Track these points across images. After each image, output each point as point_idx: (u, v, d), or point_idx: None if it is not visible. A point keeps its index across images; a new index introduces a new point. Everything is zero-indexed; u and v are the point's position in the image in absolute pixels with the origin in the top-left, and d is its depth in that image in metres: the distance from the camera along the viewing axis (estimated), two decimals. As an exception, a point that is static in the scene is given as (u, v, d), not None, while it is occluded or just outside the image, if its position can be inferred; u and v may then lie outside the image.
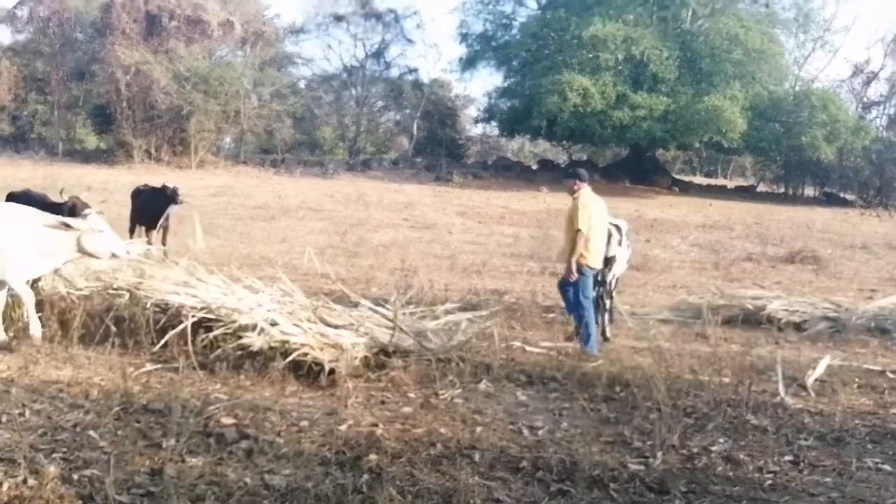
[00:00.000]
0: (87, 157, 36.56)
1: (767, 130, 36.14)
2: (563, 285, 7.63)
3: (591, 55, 36.05)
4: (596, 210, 7.64)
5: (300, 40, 47.06)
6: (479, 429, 5.11)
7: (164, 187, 11.83)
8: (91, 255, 6.84)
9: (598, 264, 7.65)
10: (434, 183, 35.58)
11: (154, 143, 36.05)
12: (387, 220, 20.49)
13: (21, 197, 8.76)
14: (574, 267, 7.39)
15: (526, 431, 5.16)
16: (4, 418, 4.86)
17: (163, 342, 6.34)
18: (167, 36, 36.68)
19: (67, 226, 6.62)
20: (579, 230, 7.37)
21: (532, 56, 39.43)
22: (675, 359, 6.91)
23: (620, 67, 36.69)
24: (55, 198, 8.53)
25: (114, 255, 6.86)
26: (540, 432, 5.15)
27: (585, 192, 7.77)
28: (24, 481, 3.89)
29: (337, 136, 47.36)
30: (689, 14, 37.95)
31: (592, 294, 7.67)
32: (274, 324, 6.09)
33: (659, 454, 4.78)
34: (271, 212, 20.57)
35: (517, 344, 7.24)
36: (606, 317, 8.15)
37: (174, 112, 35.44)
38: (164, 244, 11.57)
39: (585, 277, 7.49)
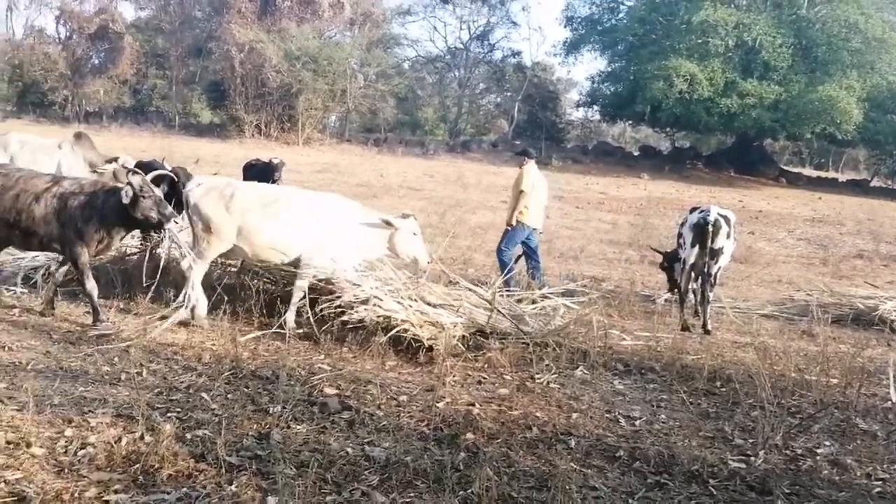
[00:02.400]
0: (202, 130, 38.12)
1: (885, 123, 34.35)
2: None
3: (699, 41, 35.02)
4: (537, 180, 9.31)
5: (407, 22, 47.69)
6: (575, 415, 5.10)
7: (271, 161, 12.30)
8: (397, 256, 6.90)
9: (533, 224, 9.24)
10: (534, 166, 35.31)
11: (264, 119, 37.27)
12: (485, 201, 20.54)
13: (146, 167, 9.22)
14: (513, 220, 9.10)
15: (623, 421, 5.11)
16: (123, 376, 5.16)
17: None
18: (280, 15, 37.75)
19: (388, 223, 6.82)
20: (522, 191, 9.08)
21: (638, 41, 38.61)
22: (780, 356, 6.69)
23: (730, 54, 35.50)
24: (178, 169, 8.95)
25: (416, 261, 6.96)
26: (637, 422, 5.10)
27: (531, 165, 9.38)
28: (142, 437, 4.11)
29: (438, 117, 47.68)
30: (806, 0, 36.22)
31: (516, 252, 9.28)
32: (377, 300, 6.23)
33: (761, 453, 4.66)
34: (373, 190, 20.92)
35: (615, 332, 7.16)
36: (708, 309, 7.96)
37: (284, 90, 36.51)
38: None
39: (516, 231, 9.17)
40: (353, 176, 24.87)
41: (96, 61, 41.36)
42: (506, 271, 8.64)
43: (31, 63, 39.32)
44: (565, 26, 43.64)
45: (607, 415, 5.21)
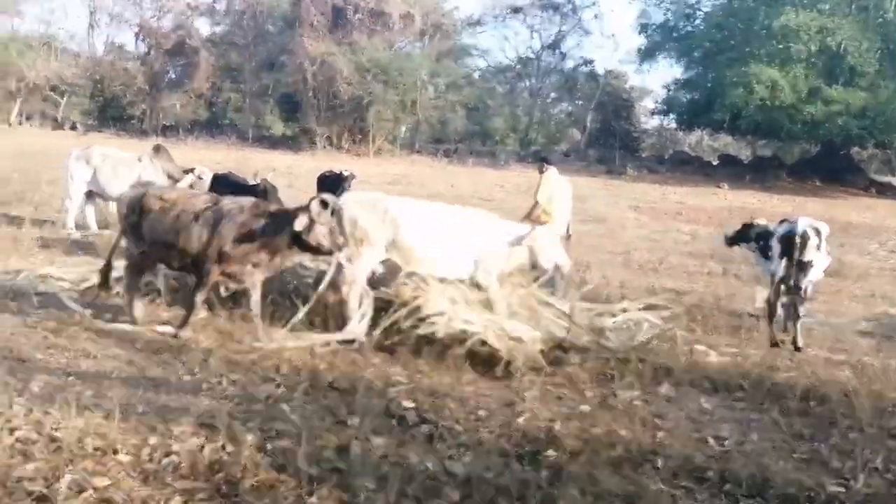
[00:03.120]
0: (275, 142, 38.87)
1: (980, 129, 32.65)
2: None
3: (781, 46, 33.93)
4: (559, 187, 9.11)
5: (477, 32, 47.69)
6: (660, 434, 4.91)
7: (341, 174, 12.41)
8: (540, 263, 7.02)
9: (559, 231, 8.73)
10: (606, 176, 34.87)
11: (335, 131, 37.79)
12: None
13: (222, 179, 9.40)
14: None
15: (712, 441, 4.90)
16: (205, 386, 5.21)
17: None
18: (351, 28, 38.27)
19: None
20: (537, 201, 8.90)
21: (716, 47, 37.65)
22: (879, 375, 6.34)
23: (814, 59, 34.25)
24: (251, 181, 9.09)
25: (558, 268, 7.07)
26: (727, 443, 4.87)
27: (551, 171, 9.24)
28: (224, 447, 4.13)
29: (508, 127, 47.51)
30: (893, 4, 34.79)
31: None
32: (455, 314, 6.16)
33: (861, 477, 4.39)
34: (444, 200, 20.88)
35: (700, 348, 6.90)
36: (799, 324, 7.61)
37: (355, 102, 36.94)
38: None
39: None
40: (424, 187, 24.92)
41: (173, 76, 42.74)
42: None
43: (111, 78, 40.82)
44: (640, 33, 42.87)
45: (695, 434, 5.00)
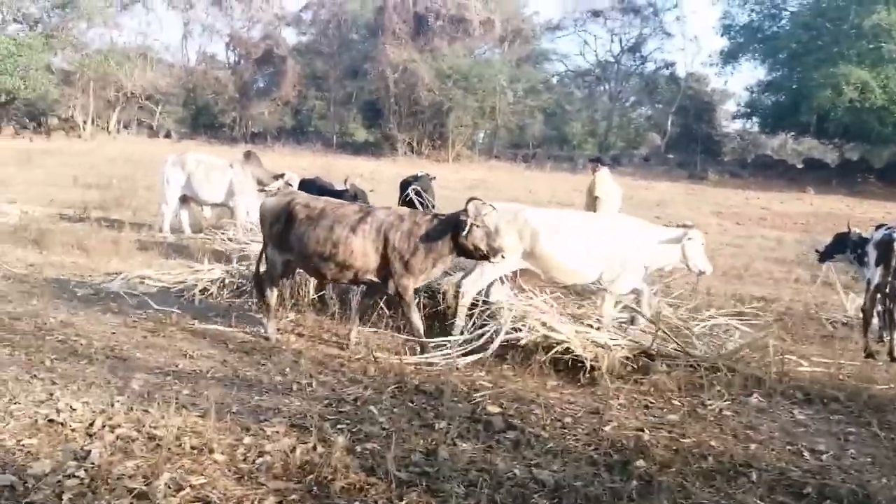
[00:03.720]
0: (357, 149, 39.56)
1: None
2: None
3: (871, 46, 32.74)
4: (611, 187, 9.12)
5: (556, 37, 47.48)
6: (753, 446, 4.77)
7: (417, 176, 12.50)
8: (687, 266, 7.15)
9: None
10: (687, 180, 34.18)
11: (416, 137, 38.22)
12: (638, 217, 19.96)
13: (309, 183, 9.62)
14: None
15: (807, 454, 4.73)
16: (295, 387, 5.33)
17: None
18: (432, 35, 38.67)
19: (684, 234, 7.05)
20: (597, 196, 8.89)
21: (802, 48, 36.49)
22: None
23: (906, 59, 32.89)
24: (339, 186, 9.26)
25: (702, 271, 7.16)
26: (824, 457, 4.70)
27: (604, 171, 9.30)
28: (315, 448, 4.21)
29: (587, 131, 47.05)
30: None
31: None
32: (543, 323, 6.15)
33: (970, 497, 4.18)
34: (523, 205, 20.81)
35: (791, 358, 6.68)
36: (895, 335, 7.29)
37: (435, 108, 37.32)
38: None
39: None
40: (502, 192, 24.88)
41: (261, 84, 43.97)
42: None
43: (203, 87, 42.36)
44: (722, 35, 41.99)
45: (789, 447, 4.84)
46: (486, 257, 6.15)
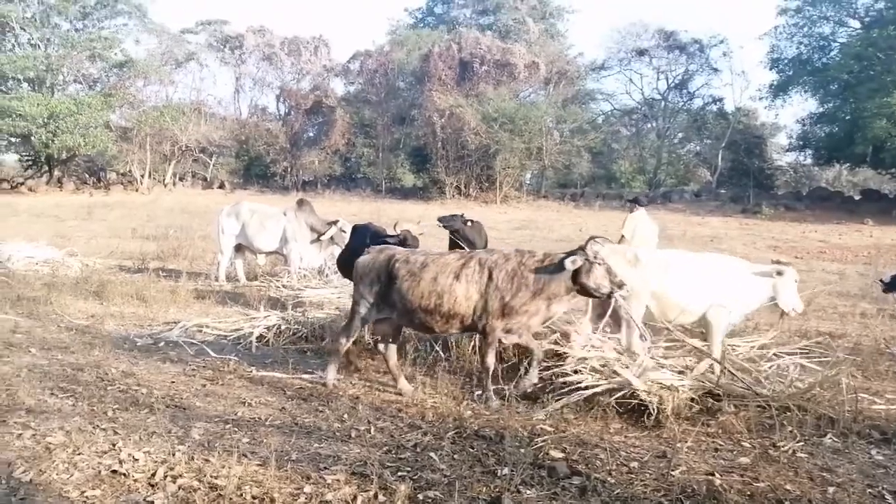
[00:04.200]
0: (406, 193, 39.92)
1: None
2: None
3: (925, 74, 32.07)
4: (643, 225, 9.87)
5: (601, 76, 47.50)
6: (831, 489, 4.55)
7: (456, 216, 12.47)
8: (783, 307, 7.09)
9: None
10: (740, 215, 33.61)
11: (463, 180, 38.45)
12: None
13: (361, 229, 9.66)
14: None
15: (889, 497, 4.49)
16: (354, 433, 5.28)
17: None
18: (478, 80, 39.10)
19: (779, 273, 7.02)
20: (623, 235, 9.72)
21: (854, 78, 35.92)
22: None
23: (963, 87, 32.10)
24: (390, 231, 9.27)
25: (794, 311, 7.11)
26: (907, 500, 4.47)
27: (640, 212, 10.04)
28: (376, 496, 4.15)
29: (635, 168, 46.73)
30: None
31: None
32: (605, 365, 6.02)
33: None
34: (573, 244, 20.61)
35: (865, 395, 6.40)
36: None
37: (482, 151, 37.54)
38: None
39: None
40: (552, 231, 24.82)
41: (311, 134, 44.83)
42: None
43: (255, 138, 43.36)
44: (771, 69, 41.56)
45: (869, 490, 4.60)
46: (609, 295, 6.04)
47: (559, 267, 5.91)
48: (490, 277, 5.99)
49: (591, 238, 6.01)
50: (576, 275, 5.89)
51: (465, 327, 6.20)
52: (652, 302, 6.89)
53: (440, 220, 11.80)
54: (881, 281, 9.16)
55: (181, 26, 46.65)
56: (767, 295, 6.95)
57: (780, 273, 6.92)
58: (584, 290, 6.00)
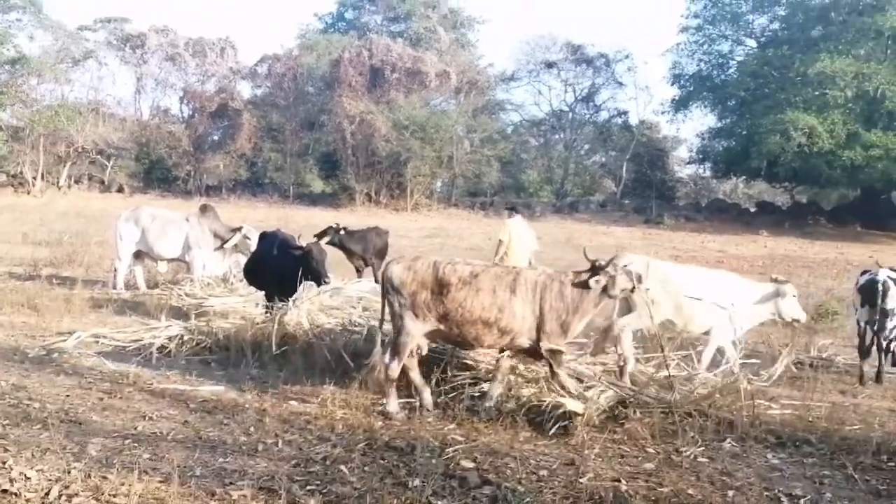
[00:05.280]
0: (315, 200, 39.41)
1: None
2: None
3: (817, 92, 34.00)
4: (519, 232, 10.44)
5: (511, 87, 48.13)
6: (731, 492, 4.71)
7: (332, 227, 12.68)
8: (786, 319, 7.94)
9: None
10: (643, 225, 34.74)
11: (374, 187, 38.27)
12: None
13: (269, 236, 9.47)
14: None
15: (785, 500, 4.68)
16: (261, 447, 5.14)
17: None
18: (388, 87, 39.02)
19: (778, 292, 7.83)
20: (500, 240, 10.35)
21: (751, 95, 37.73)
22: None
23: (851, 105, 34.21)
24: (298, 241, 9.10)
25: (797, 321, 7.99)
26: (801, 502, 4.66)
27: (516, 218, 10.74)
28: (284, 511, 4.04)
29: (543, 178, 47.62)
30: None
31: None
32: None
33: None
34: (483, 253, 20.84)
35: (761, 401, 6.66)
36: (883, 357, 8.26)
37: (393, 158, 37.48)
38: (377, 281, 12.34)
39: None
40: (462, 240, 24.97)
41: (216, 137, 43.60)
42: None
43: (156, 141, 41.82)
44: (672, 84, 43.18)
45: (766, 493, 4.79)
46: (632, 290, 6.38)
47: (587, 285, 6.09)
48: (543, 298, 5.99)
49: (613, 258, 6.43)
50: (602, 289, 6.14)
51: (510, 345, 6.10)
52: (672, 311, 7.50)
53: (316, 236, 11.81)
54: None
55: (79, 23, 44.71)
56: (771, 310, 7.83)
57: (781, 294, 7.80)
58: (611, 297, 6.35)
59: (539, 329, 5.96)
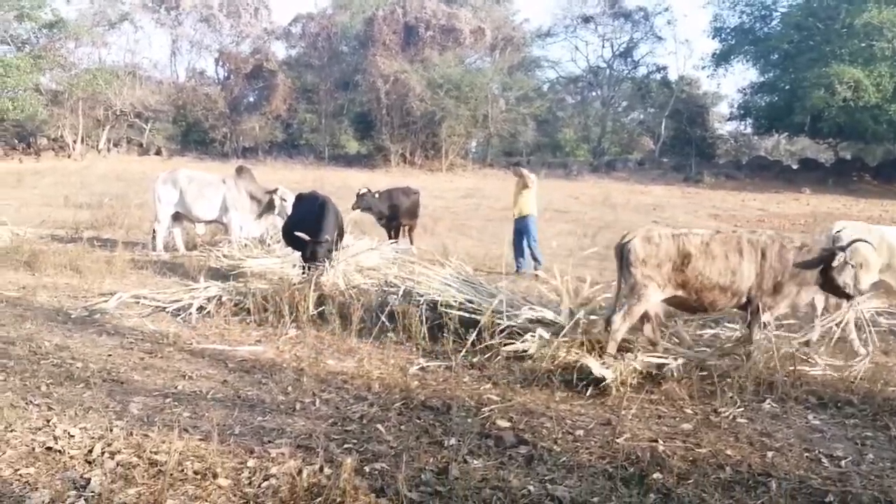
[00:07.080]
0: (350, 161, 39.43)
1: None
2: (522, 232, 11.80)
3: (863, 44, 32.87)
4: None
5: (547, 43, 47.44)
6: (770, 454, 4.65)
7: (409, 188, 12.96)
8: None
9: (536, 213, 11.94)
10: (683, 184, 34.21)
11: (409, 148, 38.13)
12: (636, 222, 19.85)
13: (307, 198, 9.51)
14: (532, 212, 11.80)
15: (825, 461, 4.61)
16: (298, 406, 5.20)
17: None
18: (423, 45, 38.65)
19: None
20: (527, 186, 11.61)
21: (794, 48, 36.61)
22: None
23: (898, 57, 33.00)
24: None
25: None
26: (843, 463, 4.58)
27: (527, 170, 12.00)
28: (321, 469, 4.07)
29: (579, 137, 46.98)
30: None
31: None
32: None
33: None
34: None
35: (803, 361, 6.55)
36: None
37: (427, 118, 37.22)
38: (411, 242, 12.42)
39: (532, 221, 11.87)
40: (498, 200, 24.77)
41: (251, 99, 43.71)
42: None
43: (193, 104, 42.04)
44: (713, 38, 42.03)
45: (806, 454, 4.72)
46: (847, 297, 6.41)
47: (817, 259, 6.17)
48: (763, 256, 6.19)
49: (853, 241, 6.46)
50: (827, 269, 6.15)
51: (737, 305, 6.41)
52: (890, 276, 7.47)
53: (353, 208, 12.25)
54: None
55: (114, -15, 44.79)
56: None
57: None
58: (828, 285, 6.32)
59: (756, 287, 6.18)
